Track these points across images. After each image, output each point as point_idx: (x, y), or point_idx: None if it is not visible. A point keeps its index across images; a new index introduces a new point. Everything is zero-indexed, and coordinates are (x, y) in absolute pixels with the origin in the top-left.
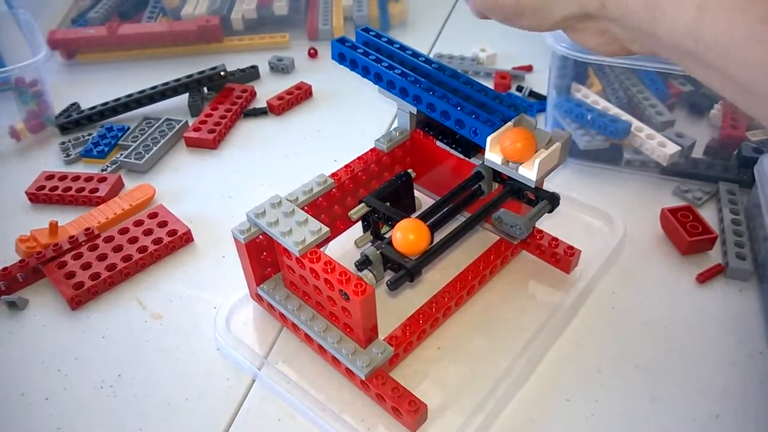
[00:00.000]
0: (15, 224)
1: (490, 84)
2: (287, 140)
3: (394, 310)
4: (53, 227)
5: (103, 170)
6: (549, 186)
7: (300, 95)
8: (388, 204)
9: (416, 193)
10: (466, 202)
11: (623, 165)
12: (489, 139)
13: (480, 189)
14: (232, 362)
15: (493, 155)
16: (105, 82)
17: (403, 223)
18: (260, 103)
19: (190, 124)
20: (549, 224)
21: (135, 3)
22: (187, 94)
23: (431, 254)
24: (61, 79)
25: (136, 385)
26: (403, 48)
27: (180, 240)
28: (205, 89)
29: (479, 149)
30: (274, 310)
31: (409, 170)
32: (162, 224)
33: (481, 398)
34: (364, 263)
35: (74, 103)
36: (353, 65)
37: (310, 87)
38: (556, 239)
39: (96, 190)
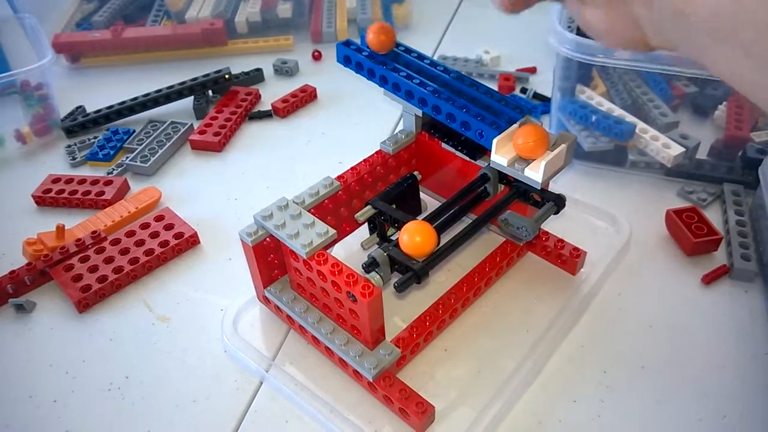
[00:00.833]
0: (22, 227)
1: (493, 86)
2: (292, 143)
3: (400, 311)
4: (60, 230)
5: (108, 173)
6: (554, 187)
7: (304, 98)
8: (394, 206)
9: (421, 195)
10: (472, 204)
11: (628, 166)
12: (495, 141)
13: (486, 191)
14: (239, 364)
15: (499, 157)
16: (110, 85)
17: (410, 226)
18: (265, 105)
19: (195, 127)
20: (554, 226)
21: (139, 6)
22: (192, 97)
23: (438, 256)
24: (66, 83)
25: (143, 387)
26: (408, 51)
27: (186, 242)
28: (210, 92)
29: (485, 151)
30: (281, 312)
31: (415, 172)
32: (168, 227)
33: (488, 399)
34: (371, 265)
35: (79, 107)
36: (359, 68)
37: (315, 89)
38: (562, 241)
39: (102, 193)
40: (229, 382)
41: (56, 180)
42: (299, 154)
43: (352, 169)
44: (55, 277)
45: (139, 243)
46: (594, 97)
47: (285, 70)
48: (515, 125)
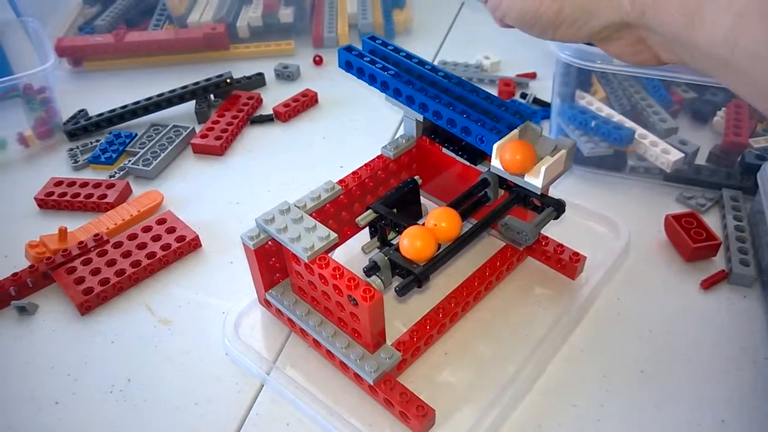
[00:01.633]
0: (24, 230)
1: (493, 91)
2: (293, 147)
3: (401, 315)
4: (62, 233)
5: (111, 176)
6: (553, 192)
7: (306, 102)
8: (394, 210)
9: (421, 200)
10: (473, 208)
11: (627, 172)
12: (495, 146)
13: (486, 196)
14: (240, 367)
15: (499, 162)
16: (112, 89)
17: (410, 230)
18: (266, 110)
19: (197, 130)
20: (554, 230)
21: (141, 11)
22: (194, 101)
23: (439, 260)
24: (68, 86)
25: (145, 389)
26: (409, 56)
27: (188, 246)
28: (212, 96)
29: (485, 156)
30: (283, 316)
31: (416, 177)
32: (170, 230)
33: (487, 403)
34: (372, 269)
35: (82, 110)
36: (360, 73)
37: (316, 94)
38: (561, 245)
39: (104, 196)
40: (230, 384)
41: (59, 183)
42: (300, 158)
43: (353, 173)
44: (58, 279)
45: (141, 246)
46: (593, 103)
47: (286, 75)
48: (515, 131)
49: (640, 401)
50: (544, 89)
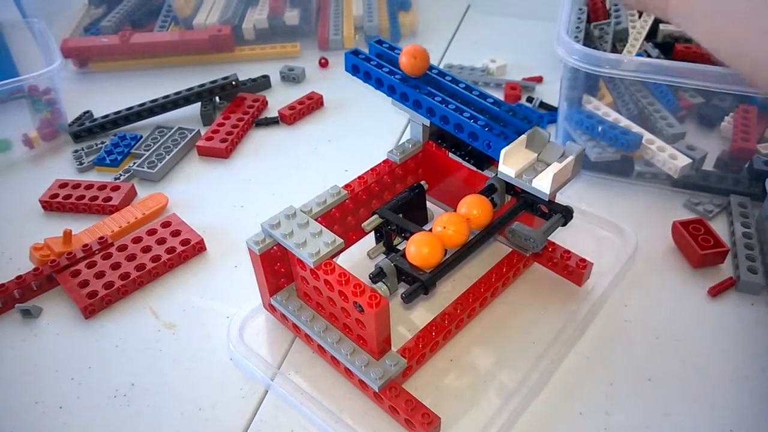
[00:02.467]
0: (29, 232)
1: (500, 95)
2: (299, 150)
3: (406, 321)
4: (67, 235)
5: (116, 179)
6: (560, 198)
7: (311, 105)
8: (400, 215)
9: (428, 205)
10: None
11: (634, 177)
12: (503, 151)
13: (493, 201)
14: (245, 372)
15: (506, 168)
16: (117, 90)
17: (417, 237)
18: (272, 112)
19: (203, 133)
20: (560, 236)
21: (147, 12)
22: (199, 103)
23: (445, 267)
24: (73, 88)
25: (149, 394)
26: None
27: (193, 249)
28: (217, 98)
29: (492, 161)
30: (287, 321)
31: (422, 182)
32: (175, 233)
33: (494, 411)
34: (378, 275)
35: (87, 112)
36: (366, 77)
37: (321, 97)
38: (568, 252)
39: (109, 198)
40: (235, 390)
41: (63, 185)
42: (305, 161)
43: (359, 178)
44: (62, 282)
45: (146, 249)
46: (601, 108)
47: (292, 77)
48: (523, 136)
49: (647, 409)
50: (550, 93)
